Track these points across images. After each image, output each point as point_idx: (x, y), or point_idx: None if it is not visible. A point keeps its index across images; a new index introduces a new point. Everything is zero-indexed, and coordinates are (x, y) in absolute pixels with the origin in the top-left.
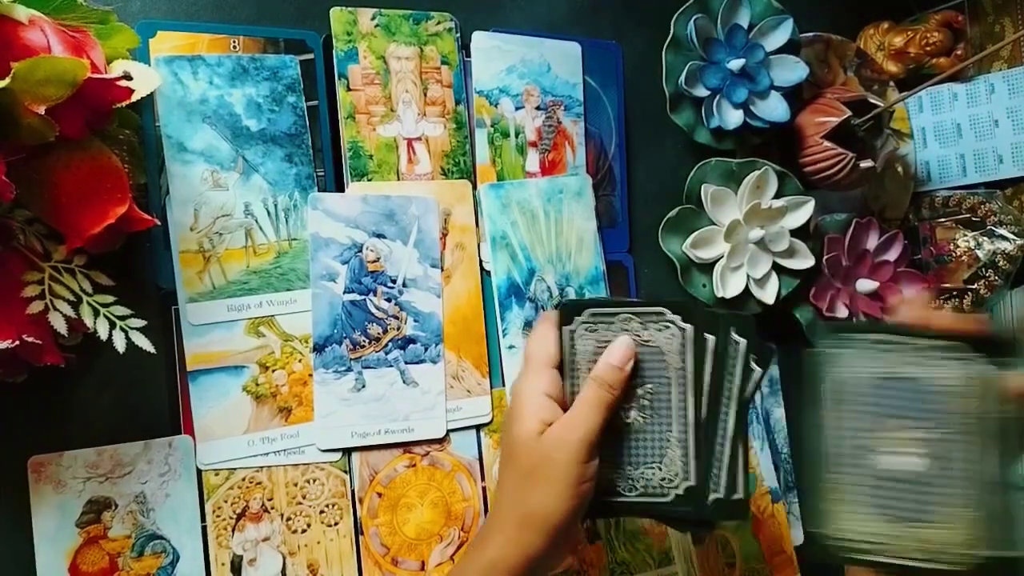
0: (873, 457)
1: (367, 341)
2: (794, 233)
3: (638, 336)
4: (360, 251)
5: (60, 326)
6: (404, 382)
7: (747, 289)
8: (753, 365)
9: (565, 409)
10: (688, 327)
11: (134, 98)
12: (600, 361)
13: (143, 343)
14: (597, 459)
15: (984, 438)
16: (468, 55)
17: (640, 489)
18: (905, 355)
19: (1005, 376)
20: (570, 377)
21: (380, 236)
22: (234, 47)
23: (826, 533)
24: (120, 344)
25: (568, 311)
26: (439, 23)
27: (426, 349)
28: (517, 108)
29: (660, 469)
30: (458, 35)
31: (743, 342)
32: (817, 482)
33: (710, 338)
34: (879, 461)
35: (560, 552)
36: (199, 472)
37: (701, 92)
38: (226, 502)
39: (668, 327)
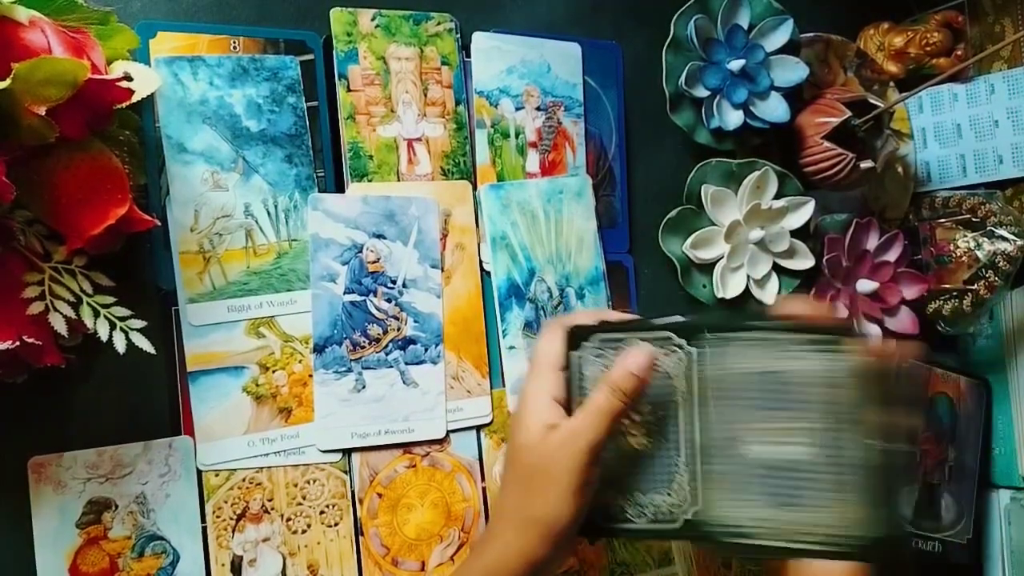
0: (744, 447)
1: (367, 342)
2: (794, 233)
3: None
4: (360, 252)
5: (60, 327)
6: (404, 383)
7: (747, 290)
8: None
9: (569, 413)
10: (694, 350)
11: (134, 99)
12: (616, 365)
13: (143, 344)
14: (599, 465)
15: (841, 423)
16: (468, 56)
17: (649, 515)
18: (774, 350)
19: (854, 358)
20: (578, 404)
21: (380, 237)
22: (234, 48)
23: (706, 520)
24: (120, 345)
25: (575, 336)
26: (439, 24)
27: (426, 350)
28: (517, 109)
29: (669, 495)
30: (458, 36)
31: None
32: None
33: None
34: (750, 451)
35: (562, 556)
36: (199, 473)
37: (701, 92)
38: (226, 503)
39: (675, 351)
